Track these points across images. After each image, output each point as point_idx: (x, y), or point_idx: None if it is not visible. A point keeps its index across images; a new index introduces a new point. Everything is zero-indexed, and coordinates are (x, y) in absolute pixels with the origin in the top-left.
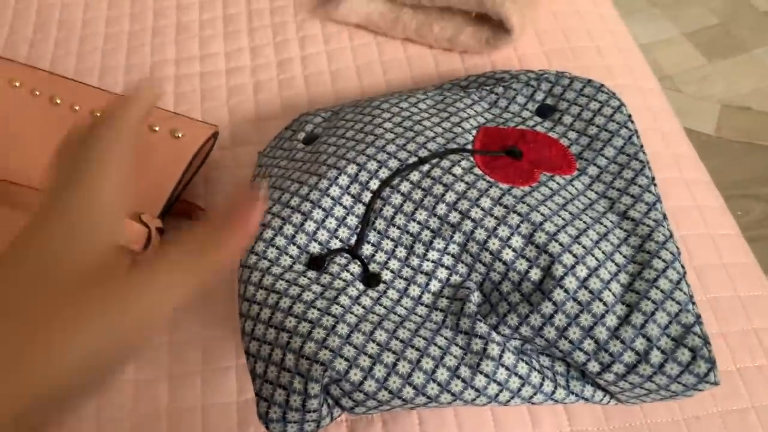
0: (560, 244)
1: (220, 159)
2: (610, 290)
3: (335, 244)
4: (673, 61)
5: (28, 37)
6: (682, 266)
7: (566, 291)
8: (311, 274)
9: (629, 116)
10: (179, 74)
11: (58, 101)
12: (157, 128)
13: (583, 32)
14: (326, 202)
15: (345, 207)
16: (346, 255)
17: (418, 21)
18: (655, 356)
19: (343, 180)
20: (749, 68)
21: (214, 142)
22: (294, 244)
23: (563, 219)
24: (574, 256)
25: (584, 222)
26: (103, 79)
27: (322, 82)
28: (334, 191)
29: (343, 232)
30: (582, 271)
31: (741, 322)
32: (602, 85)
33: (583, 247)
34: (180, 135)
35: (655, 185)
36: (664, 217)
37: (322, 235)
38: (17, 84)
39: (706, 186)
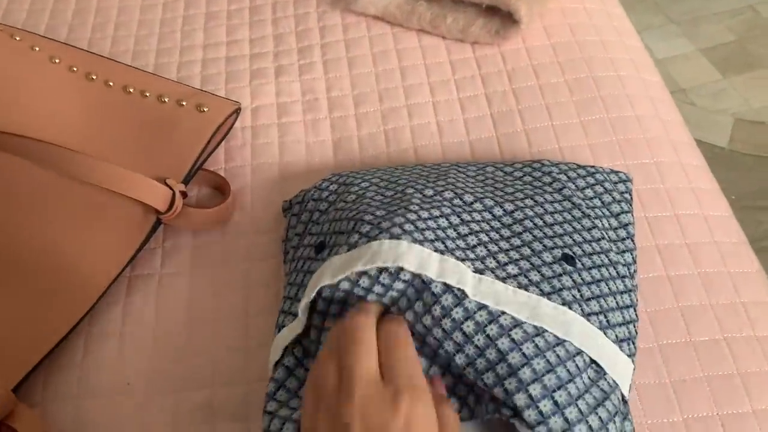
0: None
1: (241, 134)
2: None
3: None
4: (688, 76)
5: (68, 21)
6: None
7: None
8: None
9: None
10: (206, 58)
11: (94, 77)
12: (184, 103)
13: (589, 27)
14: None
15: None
16: None
17: (433, 13)
18: None
19: None
20: (764, 84)
21: (236, 117)
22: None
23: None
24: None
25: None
26: (136, 61)
27: (339, 68)
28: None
29: None
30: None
31: (746, 330)
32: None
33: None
34: (205, 109)
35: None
36: None
37: None
38: (57, 60)
39: (703, 170)
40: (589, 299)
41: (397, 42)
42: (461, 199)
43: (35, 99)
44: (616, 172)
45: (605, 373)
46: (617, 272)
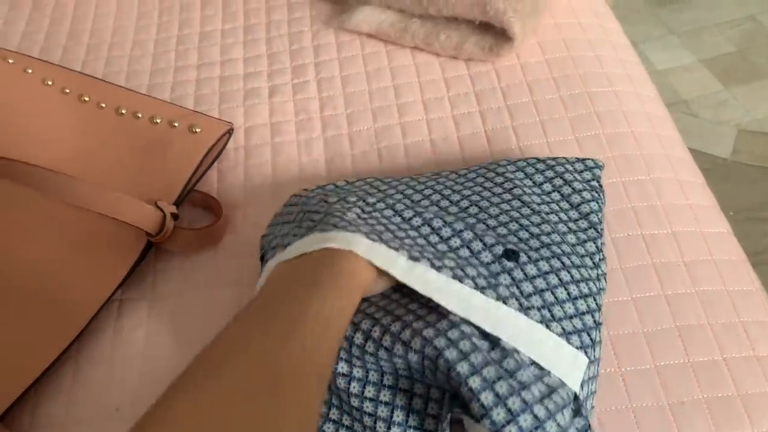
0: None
1: (234, 154)
2: None
3: None
4: (689, 87)
5: (62, 44)
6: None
7: None
8: None
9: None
10: (200, 78)
11: (86, 99)
12: (176, 124)
13: (584, 42)
14: None
15: None
16: None
17: (426, 30)
18: None
19: None
20: (766, 94)
21: (229, 138)
22: None
23: None
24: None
25: None
26: (130, 82)
27: (333, 86)
28: None
29: None
30: None
31: (745, 350)
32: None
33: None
34: (197, 130)
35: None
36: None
37: None
38: (50, 82)
39: (700, 187)
40: (530, 295)
41: (390, 60)
42: (401, 216)
43: (27, 122)
44: (583, 160)
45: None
46: (571, 262)
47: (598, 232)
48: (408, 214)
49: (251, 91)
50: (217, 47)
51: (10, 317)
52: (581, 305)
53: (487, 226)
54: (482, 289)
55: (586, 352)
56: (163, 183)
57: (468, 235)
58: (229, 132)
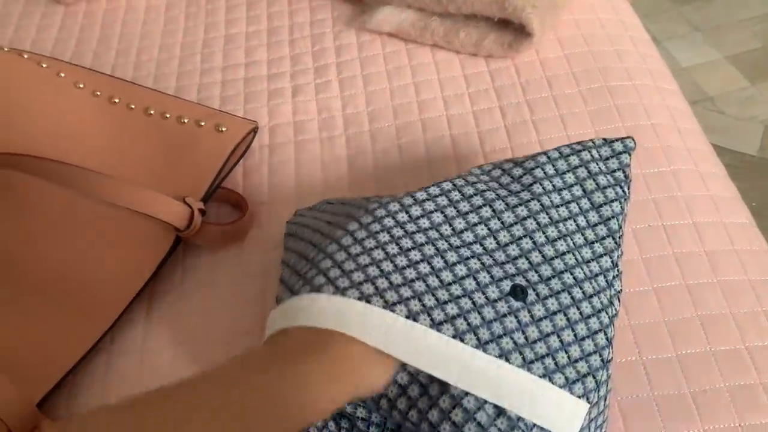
0: None
1: (258, 153)
2: None
3: None
4: (715, 84)
5: (92, 48)
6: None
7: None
8: None
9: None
10: (225, 80)
11: (116, 101)
12: (203, 123)
13: (603, 37)
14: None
15: None
16: None
17: (446, 28)
18: None
19: None
20: None
21: (254, 136)
22: None
23: None
24: None
25: None
26: (158, 84)
27: (354, 85)
28: None
29: None
30: None
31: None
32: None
33: None
34: (223, 129)
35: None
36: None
37: None
38: (81, 85)
39: (721, 178)
40: (535, 341)
41: (411, 58)
42: (407, 212)
43: (60, 123)
44: (611, 143)
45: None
46: (583, 293)
47: (616, 242)
48: (417, 212)
49: (275, 91)
50: (241, 50)
51: (46, 310)
52: (588, 346)
53: (498, 243)
54: (485, 345)
55: (588, 398)
56: (191, 180)
57: (475, 264)
58: (254, 130)
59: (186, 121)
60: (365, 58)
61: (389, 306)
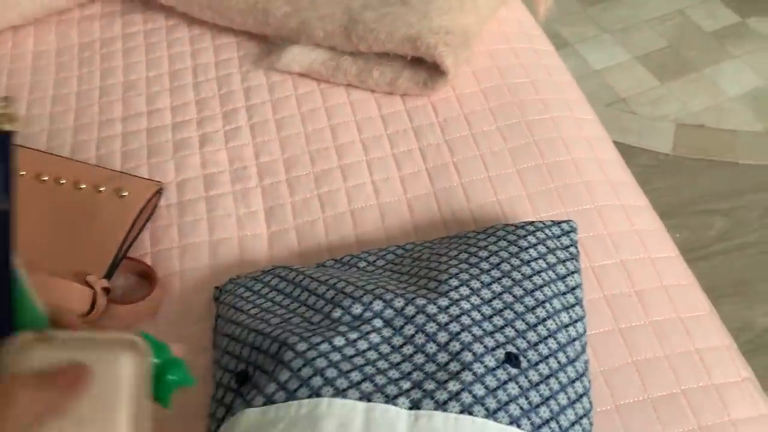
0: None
1: (166, 212)
2: None
3: None
4: (626, 84)
5: None
6: None
7: None
8: None
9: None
10: (126, 132)
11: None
12: (102, 188)
13: (518, 68)
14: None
15: None
16: None
17: (358, 67)
18: None
19: None
20: (700, 87)
21: (159, 198)
22: None
23: None
24: None
25: None
26: (52, 142)
27: (267, 131)
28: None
29: None
30: None
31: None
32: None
33: None
34: (125, 194)
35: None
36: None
37: None
38: None
39: (645, 210)
40: (538, 405)
41: (325, 99)
42: (392, 307)
43: None
44: (558, 224)
45: None
46: (567, 358)
47: (582, 309)
48: (401, 303)
49: (181, 141)
50: (142, 97)
51: None
52: (579, 408)
53: (483, 316)
54: (494, 413)
55: None
56: (93, 254)
57: (467, 338)
58: (159, 192)
59: (83, 186)
60: (277, 100)
61: (390, 400)
